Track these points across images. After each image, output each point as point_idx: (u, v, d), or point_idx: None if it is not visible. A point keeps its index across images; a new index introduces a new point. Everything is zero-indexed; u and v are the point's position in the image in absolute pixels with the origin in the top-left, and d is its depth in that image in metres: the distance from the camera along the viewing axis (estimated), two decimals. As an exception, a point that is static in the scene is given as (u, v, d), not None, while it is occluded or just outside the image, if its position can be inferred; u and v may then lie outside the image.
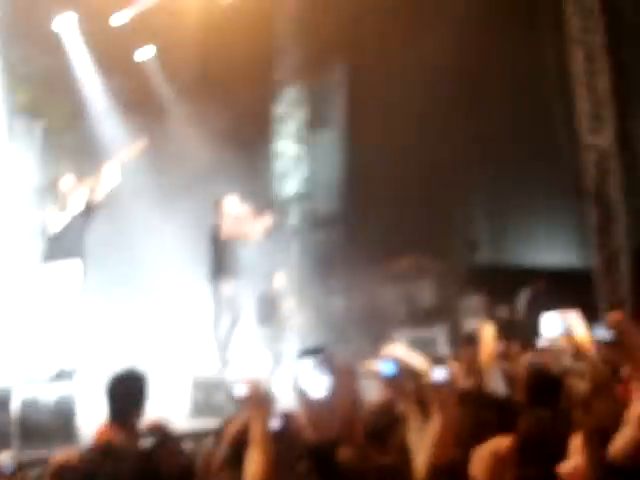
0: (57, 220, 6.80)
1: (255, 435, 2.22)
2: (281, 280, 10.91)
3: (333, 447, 1.66)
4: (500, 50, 11.14)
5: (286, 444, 2.07)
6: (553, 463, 1.86)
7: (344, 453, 2.54)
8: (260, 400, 2.33)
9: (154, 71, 12.69)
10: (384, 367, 2.61)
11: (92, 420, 4.53)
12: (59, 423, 6.12)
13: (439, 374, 2.25)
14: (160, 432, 3.14)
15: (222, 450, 2.69)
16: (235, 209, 8.14)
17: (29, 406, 6.01)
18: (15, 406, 5.92)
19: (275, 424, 2.32)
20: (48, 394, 6.20)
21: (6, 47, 11.03)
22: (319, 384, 1.71)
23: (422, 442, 2.33)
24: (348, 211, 12.15)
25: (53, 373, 6.60)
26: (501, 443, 1.81)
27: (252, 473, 2.08)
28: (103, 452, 1.72)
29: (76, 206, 6.84)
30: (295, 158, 13.92)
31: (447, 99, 11.48)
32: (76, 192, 6.86)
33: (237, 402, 2.40)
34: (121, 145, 10.77)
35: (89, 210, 6.87)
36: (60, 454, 2.50)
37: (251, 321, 10.40)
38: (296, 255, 13.54)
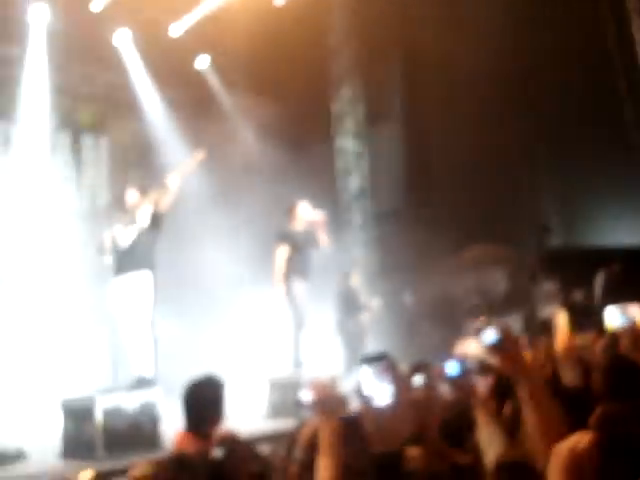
0: (126, 234, 6.94)
1: (324, 440, 2.18)
2: (357, 278, 10.95)
3: (398, 456, 1.63)
4: (560, 26, 10.86)
5: (358, 449, 2.04)
6: (638, 460, 1.79)
7: (415, 455, 2.51)
8: (328, 404, 2.27)
9: (212, 79, 12.86)
10: (448, 367, 2.56)
11: (175, 427, 4.60)
12: (142, 431, 6.25)
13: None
14: (230, 441, 3.13)
15: (297, 455, 2.68)
16: (308, 215, 8.22)
17: (112, 415, 6.15)
18: (98, 416, 6.06)
19: (345, 428, 2.27)
20: (130, 403, 6.34)
21: (69, 65, 11.36)
22: (382, 392, 1.68)
23: (492, 441, 2.28)
24: (413, 203, 12.04)
25: (133, 382, 6.74)
26: (580, 439, 1.75)
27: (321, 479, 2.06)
28: (175, 464, 1.73)
29: (143, 219, 6.97)
30: (356, 154, 13.88)
31: (508, 81, 11.26)
32: (142, 205, 7.00)
33: (303, 407, 2.35)
34: (182, 155, 11.02)
35: (156, 222, 7.00)
36: (135, 470, 2.52)
37: (329, 321, 10.44)
38: (362, 252, 13.51)
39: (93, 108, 12.23)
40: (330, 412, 2.24)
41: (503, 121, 11.70)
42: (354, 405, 1.93)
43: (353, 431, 2.27)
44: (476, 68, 10.96)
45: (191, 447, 3.38)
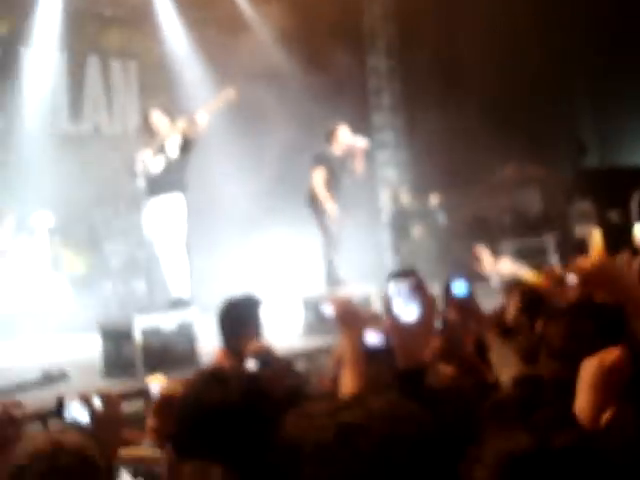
0: (156, 162, 6.94)
1: (346, 354, 2.21)
2: (406, 197, 10.89)
3: (422, 372, 1.65)
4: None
5: (383, 363, 2.06)
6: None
7: (446, 371, 2.55)
8: (349, 319, 2.29)
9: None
10: (456, 287, 2.56)
11: (211, 346, 4.70)
12: (180, 350, 6.41)
13: None
14: (265, 354, 3.18)
15: (330, 369, 2.73)
16: (348, 140, 8.15)
17: (151, 335, 6.31)
18: (137, 336, 6.22)
19: (374, 342, 2.31)
20: (167, 323, 6.49)
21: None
22: (409, 308, 1.69)
23: (504, 362, 2.31)
24: (447, 121, 11.83)
25: (170, 303, 6.87)
26: (609, 354, 1.76)
27: (344, 393, 2.10)
28: (207, 379, 1.77)
29: (172, 149, 6.96)
30: (388, 74, 13.64)
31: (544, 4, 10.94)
32: (171, 135, 6.97)
33: (328, 321, 2.41)
34: (209, 77, 10.91)
35: (185, 151, 6.98)
36: (165, 387, 2.58)
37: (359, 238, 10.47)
38: (394, 172, 13.42)
39: (120, 32, 12.10)
40: (351, 326, 2.27)
41: (540, 42, 11.39)
42: (384, 321, 1.94)
43: (379, 346, 2.30)
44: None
45: (226, 363, 3.46)
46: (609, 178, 11.49)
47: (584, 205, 11.32)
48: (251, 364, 2.95)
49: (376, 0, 13.53)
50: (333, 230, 8.05)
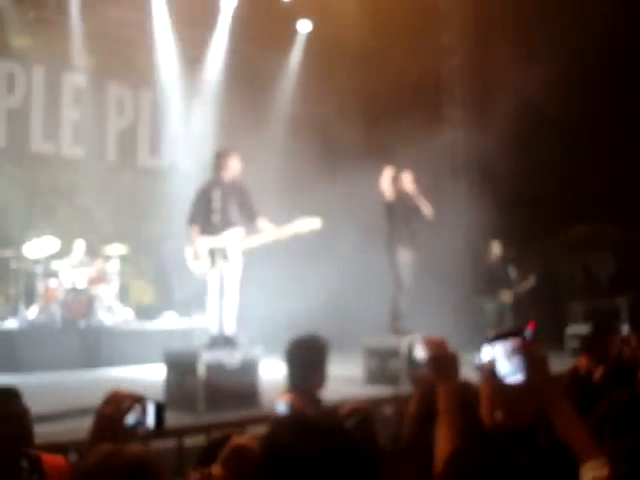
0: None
1: (442, 405, 2.07)
2: (497, 249, 10.50)
3: (532, 432, 1.57)
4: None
5: (469, 415, 1.96)
6: None
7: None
8: (445, 362, 2.15)
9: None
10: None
11: (273, 385, 4.65)
12: (243, 387, 6.38)
13: None
14: (361, 414, 2.99)
15: (407, 427, 2.58)
16: (408, 185, 8.19)
17: (214, 371, 6.31)
18: (201, 370, 6.22)
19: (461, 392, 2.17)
20: (232, 359, 6.48)
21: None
22: (514, 368, 1.62)
23: None
24: (518, 179, 11.69)
25: (233, 339, 6.86)
26: None
27: (442, 447, 1.99)
28: (294, 429, 1.62)
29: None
30: (465, 126, 13.59)
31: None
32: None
33: (418, 366, 2.22)
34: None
35: None
36: (239, 436, 2.46)
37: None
38: (465, 220, 13.26)
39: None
40: (446, 371, 2.14)
41: (610, 103, 11.24)
42: (478, 379, 1.85)
43: (465, 397, 2.18)
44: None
45: (302, 408, 3.37)
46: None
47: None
48: (348, 422, 2.75)
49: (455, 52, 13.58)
50: (404, 277, 8.00)
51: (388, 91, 11.61)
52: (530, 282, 10.45)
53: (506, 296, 10.28)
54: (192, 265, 6.87)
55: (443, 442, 1.98)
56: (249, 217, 6.84)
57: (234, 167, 6.87)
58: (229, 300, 6.85)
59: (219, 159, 6.95)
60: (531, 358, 1.63)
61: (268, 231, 6.81)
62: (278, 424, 1.80)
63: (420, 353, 2.17)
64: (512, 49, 11.37)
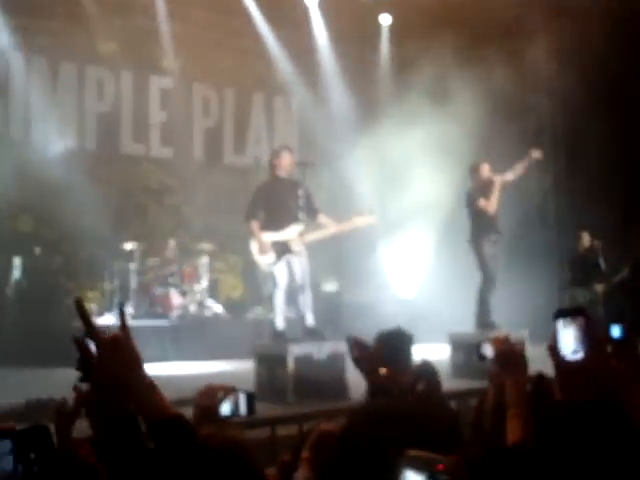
0: None
1: (511, 397, 2.09)
2: (587, 240, 10.33)
3: (589, 409, 1.57)
4: None
5: (541, 407, 1.97)
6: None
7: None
8: (512, 359, 2.17)
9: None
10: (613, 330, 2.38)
11: (361, 378, 4.70)
12: (330, 380, 6.48)
13: None
14: (427, 393, 3.05)
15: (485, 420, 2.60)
16: (487, 176, 8.11)
17: (303, 363, 6.44)
18: (290, 363, 6.37)
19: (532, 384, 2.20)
20: (320, 352, 6.61)
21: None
22: (575, 346, 1.63)
23: None
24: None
25: (307, 331, 7.00)
26: None
27: (510, 440, 2.02)
28: (370, 416, 1.70)
29: None
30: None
31: None
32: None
33: (484, 363, 2.27)
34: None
35: None
36: (323, 424, 2.56)
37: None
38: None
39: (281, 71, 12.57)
40: (513, 367, 2.17)
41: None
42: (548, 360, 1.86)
43: (538, 388, 2.20)
44: None
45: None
46: None
47: None
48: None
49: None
50: (492, 269, 7.92)
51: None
52: (624, 273, 10.26)
53: (600, 287, 10.12)
54: (258, 259, 7.06)
55: (510, 434, 2.02)
56: (310, 212, 7.09)
57: (287, 164, 7.14)
58: (307, 293, 7.02)
59: (273, 158, 7.25)
60: (591, 338, 1.63)
61: (329, 226, 7.11)
62: (353, 414, 1.89)
63: (488, 351, 2.24)
64: None
